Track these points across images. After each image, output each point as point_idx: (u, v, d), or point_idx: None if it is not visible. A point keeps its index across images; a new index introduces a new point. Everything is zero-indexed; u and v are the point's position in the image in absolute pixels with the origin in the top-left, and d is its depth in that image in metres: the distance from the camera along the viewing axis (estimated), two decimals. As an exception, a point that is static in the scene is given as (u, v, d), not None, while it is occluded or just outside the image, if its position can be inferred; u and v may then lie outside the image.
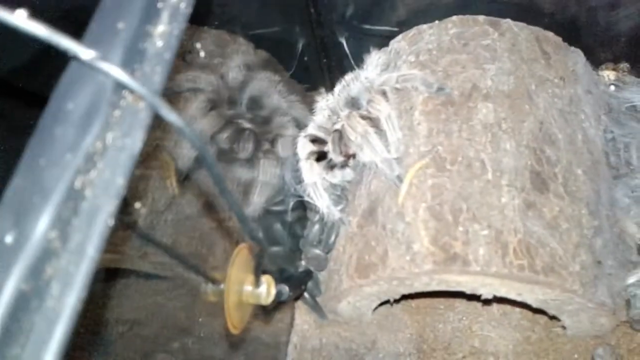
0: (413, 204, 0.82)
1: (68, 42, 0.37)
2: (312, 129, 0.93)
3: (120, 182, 0.38)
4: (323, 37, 1.10)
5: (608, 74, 1.04)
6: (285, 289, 0.78)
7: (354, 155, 0.90)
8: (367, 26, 1.07)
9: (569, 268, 0.75)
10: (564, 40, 1.00)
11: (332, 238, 0.95)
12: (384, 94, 0.91)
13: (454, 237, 0.76)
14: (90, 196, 0.37)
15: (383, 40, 1.07)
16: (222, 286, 0.68)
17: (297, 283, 0.84)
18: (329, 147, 0.89)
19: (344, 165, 0.91)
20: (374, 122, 0.86)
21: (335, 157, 0.89)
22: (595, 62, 1.05)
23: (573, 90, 0.93)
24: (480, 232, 0.76)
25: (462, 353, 0.93)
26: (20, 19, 0.35)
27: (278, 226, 0.98)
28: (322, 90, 1.23)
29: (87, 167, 0.38)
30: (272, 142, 0.95)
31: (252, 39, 1.10)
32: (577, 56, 0.99)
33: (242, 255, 0.69)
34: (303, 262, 0.99)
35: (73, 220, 0.36)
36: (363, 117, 0.86)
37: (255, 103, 0.99)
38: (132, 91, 0.40)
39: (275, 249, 0.96)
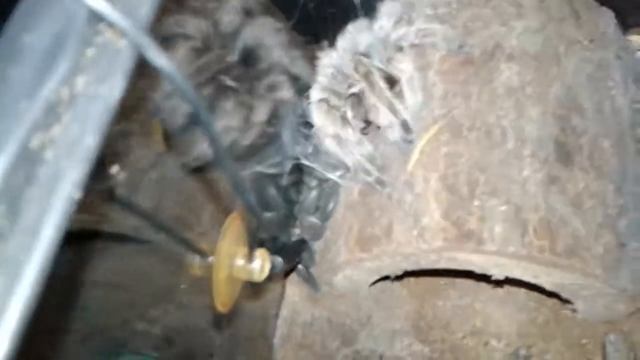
0: (424, 173, 0.74)
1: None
2: (317, 93, 0.83)
3: (90, 141, 0.29)
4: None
5: (637, 39, 0.96)
6: (279, 260, 0.70)
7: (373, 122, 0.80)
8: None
9: (592, 250, 0.68)
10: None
11: (331, 205, 0.87)
12: (400, 49, 0.82)
13: (469, 211, 0.69)
14: (50, 159, 0.29)
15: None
16: (210, 259, 0.61)
17: (291, 254, 0.77)
18: (347, 114, 0.79)
19: (363, 133, 0.81)
20: (392, 81, 0.77)
21: (355, 123, 0.79)
22: (624, 25, 0.96)
23: (603, 54, 0.84)
24: (498, 208, 0.69)
25: (462, 332, 0.87)
26: None
27: (272, 190, 0.89)
28: (325, 43, 1.12)
29: (49, 121, 0.29)
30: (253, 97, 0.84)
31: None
32: (608, 17, 0.90)
33: (234, 226, 0.61)
34: (297, 230, 0.91)
35: (26, 191, 0.28)
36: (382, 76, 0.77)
37: (250, 55, 0.88)
38: (111, 24, 0.31)
39: (268, 214, 0.88)
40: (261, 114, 0.83)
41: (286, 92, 0.88)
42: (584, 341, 0.81)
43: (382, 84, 0.77)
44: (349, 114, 0.80)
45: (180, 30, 0.86)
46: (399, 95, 0.76)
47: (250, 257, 0.61)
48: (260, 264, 0.61)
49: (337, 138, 0.78)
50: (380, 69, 0.81)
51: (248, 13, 0.92)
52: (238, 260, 0.61)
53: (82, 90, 0.30)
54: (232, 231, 0.61)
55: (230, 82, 0.85)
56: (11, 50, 0.29)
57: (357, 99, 0.80)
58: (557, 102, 0.76)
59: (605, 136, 0.77)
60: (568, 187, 0.71)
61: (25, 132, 0.27)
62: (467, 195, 0.70)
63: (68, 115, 0.30)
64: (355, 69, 0.83)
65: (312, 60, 1.13)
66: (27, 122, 0.28)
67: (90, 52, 0.31)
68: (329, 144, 0.80)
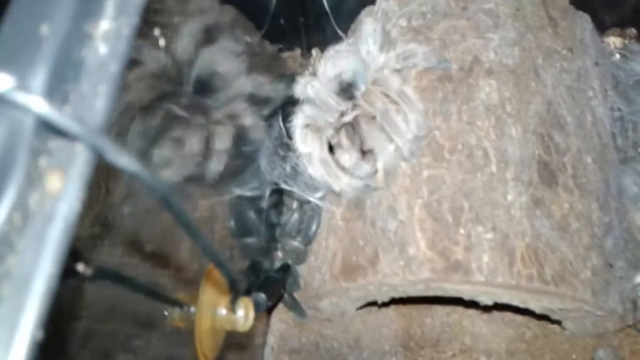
0: (407, 199, 0.72)
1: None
2: (301, 120, 0.80)
3: (50, 269, 0.26)
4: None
5: (614, 41, 0.95)
6: (262, 297, 0.68)
7: (370, 151, 0.76)
8: (350, -19, 0.93)
9: (580, 275, 0.67)
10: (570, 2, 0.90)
11: (313, 228, 0.85)
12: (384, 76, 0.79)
13: (455, 241, 0.67)
14: (7, 296, 0.26)
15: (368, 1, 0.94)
16: (191, 310, 0.58)
17: (275, 288, 0.75)
18: (342, 144, 0.76)
19: (359, 162, 0.77)
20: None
21: (352, 154, 0.75)
22: (601, 27, 0.95)
23: (581, 62, 0.83)
24: (484, 236, 0.67)
25: (452, 351, 0.86)
26: None
27: (252, 214, 0.87)
28: (298, 51, 1.09)
29: (2, 253, 0.26)
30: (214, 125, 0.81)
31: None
32: (584, 22, 0.88)
33: (215, 273, 0.59)
34: (280, 254, 0.89)
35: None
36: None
37: (205, 84, 0.83)
38: (63, 130, 0.28)
39: (248, 240, 0.86)
40: (223, 140, 0.79)
41: (248, 119, 0.84)
42: (573, 356, 0.81)
43: (380, 96, 0.74)
44: (344, 144, 0.77)
45: (135, 55, 0.81)
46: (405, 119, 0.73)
47: (233, 307, 0.58)
48: (244, 313, 0.58)
49: (325, 163, 0.75)
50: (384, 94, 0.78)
51: (209, 33, 0.88)
52: (221, 310, 0.58)
53: (36, 208, 0.27)
54: (213, 280, 0.58)
55: (180, 112, 0.80)
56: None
57: (352, 128, 0.77)
58: (538, 119, 0.75)
59: (587, 151, 0.76)
60: (553, 210, 0.70)
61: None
62: (452, 223, 0.68)
63: (23, 241, 0.27)
64: (366, 99, 0.79)
65: (284, 67, 1.10)
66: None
67: (42, 162, 0.28)
68: (316, 169, 0.77)
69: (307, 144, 0.77)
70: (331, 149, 0.78)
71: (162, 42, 0.84)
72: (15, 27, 0.30)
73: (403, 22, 0.85)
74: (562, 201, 0.71)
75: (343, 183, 0.76)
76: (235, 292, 0.54)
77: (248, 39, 0.98)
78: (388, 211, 0.73)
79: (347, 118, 0.77)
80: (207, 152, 0.78)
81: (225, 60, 0.86)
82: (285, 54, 1.09)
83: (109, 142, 0.29)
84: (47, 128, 0.28)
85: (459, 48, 0.79)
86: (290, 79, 1.01)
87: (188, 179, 0.79)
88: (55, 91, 0.29)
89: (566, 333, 0.81)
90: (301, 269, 0.88)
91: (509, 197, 0.69)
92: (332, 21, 0.99)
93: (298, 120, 0.81)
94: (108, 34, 0.32)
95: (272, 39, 1.06)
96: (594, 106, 0.81)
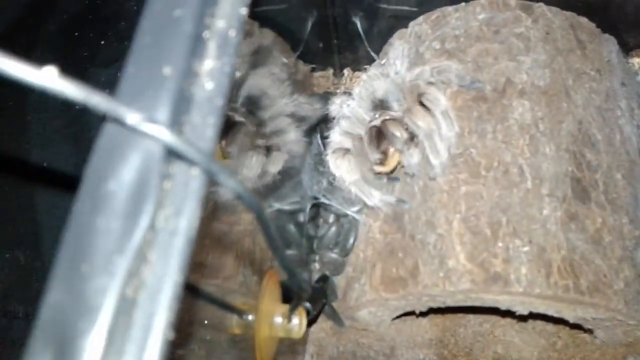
0: (445, 214, 0.76)
1: (110, 104, 0.29)
2: (336, 137, 0.84)
3: (177, 278, 0.31)
4: (335, 16, 1.00)
5: (638, 62, 0.98)
6: (309, 306, 0.72)
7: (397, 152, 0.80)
8: (384, 5, 0.98)
9: (614, 286, 0.70)
10: (594, 22, 0.93)
11: (351, 241, 0.89)
12: (417, 88, 0.83)
13: (494, 253, 0.71)
14: (143, 302, 0.30)
15: (400, 22, 0.99)
16: (250, 318, 0.62)
17: (318, 298, 0.78)
18: (364, 144, 0.80)
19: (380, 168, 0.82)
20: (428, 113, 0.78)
21: (373, 156, 0.80)
22: (625, 48, 0.99)
23: (609, 83, 0.87)
24: (522, 249, 0.71)
25: (485, 359, 0.89)
26: (50, 77, 0.27)
27: (292, 227, 0.91)
28: (330, 71, 1.14)
29: (138, 265, 0.30)
30: (267, 148, 0.85)
31: (257, 16, 0.99)
32: (611, 45, 0.92)
33: (271, 284, 0.63)
34: (317, 266, 0.93)
35: (126, 335, 0.29)
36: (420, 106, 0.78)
37: (253, 103, 0.88)
38: (184, 156, 0.32)
39: (288, 252, 0.90)
40: (277, 164, 0.84)
41: (292, 134, 0.89)
42: (603, 365, 0.83)
43: (426, 116, 0.77)
44: (366, 144, 0.81)
45: None
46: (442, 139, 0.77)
47: (290, 315, 0.62)
48: (299, 321, 0.62)
49: (358, 183, 0.79)
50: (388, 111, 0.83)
51: (256, 56, 0.93)
52: (277, 319, 0.62)
53: (163, 225, 0.32)
54: (270, 289, 0.62)
55: (238, 118, 0.86)
56: (96, 201, 0.30)
57: (377, 131, 0.81)
58: (570, 137, 0.78)
59: (617, 169, 0.79)
60: (587, 224, 0.73)
61: (122, 283, 0.29)
62: (490, 237, 0.72)
63: (153, 253, 0.31)
64: (410, 117, 0.83)
65: (316, 86, 1.14)
66: (122, 274, 0.29)
67: (167, 185, 0.32)
68: (351, 189, 0.81)
69: (338, 168, 0.81)
70: None
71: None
72: (138, 68, 0.34)
73: (436, 45, 0.89)
74: (595, 216, 0.74)
75: (376, 199, 0.80)
76: (297, 301, 0.58)
77: (285, 60, 1.03)
78: (427, 225, 0.77)
79: (374, 122, 0.82)
80: (262, 173, 0.82)
81: (272, 84, 0.91)
82: (318, 74, 1.14)
83: (220, 166, 0.33)
84: (170, 155, 0.32)
85: (492, 70, 0.83)
86: (324, 98, 1.06)
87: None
88: (175, 123, 0.33)
89: (597, 342, 0.84)
90: (338, 280, 0.92)
91: (545, 212, 0.73)
92: (365, 42, 1.04)
93: (332, 139, 0.86)
94: (213, 72, 0.36)
95: (305, 58, 1.11)
96: (622, 124, 0.85)
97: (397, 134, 0.78)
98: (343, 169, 0.80)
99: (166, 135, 0.31)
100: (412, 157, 0.78)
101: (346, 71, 1.13)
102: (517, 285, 0.69)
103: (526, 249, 0.71)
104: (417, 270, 0.75)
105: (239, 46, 0.37)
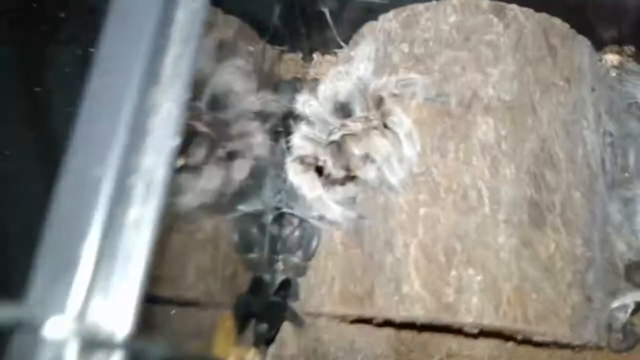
0: (404, 237, 0.76)
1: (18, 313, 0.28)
2: (298, 141, 0.83)
3: None
4: (303, 6, 0.95)
5: (611, 59, 0.96)
6: (265, 328, 0.74)
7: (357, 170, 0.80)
8: (353, -3, 0.93)
9: (560, 314, 0.73)
10: (569, 17, 0.90)
11: (313, 246, 0.90)
12: (380, 100, 0.81)
13: (447, 282, 0.73)
14: None
15: (370, 13, 0.94)
16: None
17: (277, 317, 0.80)
18: (326, 162, 0.79)
19: (345, 181, 0.81)
20: (388, 136, 0.77)
21: (335, 172, 0.79)
22: (599, 43, 0.96)
23: (578, 92, 0.85)
24: (475, 278, 0.72)
25: (440, 355, 0.93)
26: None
27: (255, 230, 0.91)
28: (299, 55, 1.09)
29: None
30: (230, 155, 0.83)
31: (221, 3, 0.94)
32: (583, 47, 0.90)
33: (225, 327, 0.64)
34: (281, 266, 0.94)
35: None
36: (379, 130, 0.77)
37: (218, 102, 0.85)
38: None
39: (252, 255, 0.91)
40: (242, 172, 0.83)
41: (259, 138, 0.87)
42: (551, 365, 0.88)
43: (382, 141, 0.76)
44: (329, 162, 0.81)
45: None
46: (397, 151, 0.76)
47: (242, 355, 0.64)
48: (251, 361, 0.64)
49: (319, 200, 0.79)
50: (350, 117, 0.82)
51: (221, 49, 0.89)
52: None
53: None
54: (224, 332, 0.63)
55: (203, 128, 0.83)
56: None
57: (337, 147, 0.81)
58: (532, 158, 0.78)
59: (576, 186, 0.80)
60: (540, 251, 0.74)
61: None
62: (444, 264, 0.73)
63: None
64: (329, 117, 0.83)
65: (286, 71, 1.11)
66: None
67: None
68: (309, 200, 0.81)
69: (297, 176, 0.81)
70: (320, 169, 0.82)
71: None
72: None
73: (405, 48, 0.86)
74: (549, 241, 0.75)
75: (337, 214, 0.80)
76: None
77: (251, 48, 0.99)
78: (385, 245, 0.78)
79: (334, 137, 0.81)
80: (225, 183, 0.81)
81: (237, 79, 0.88)
82: (287, 56, 1.10)
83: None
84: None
85: (459, 82, 0.81)
86: (292, 85, 1.03)
87: (201, 206, 0.82)
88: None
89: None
90: (301, 281, 0.93)
91: (500, 240, 0.74)
92: (334, 31, 0.99)
93: (295, 139, 0.85)
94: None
95: (274, 41, 1.06)
96: (586, 135, 0.84)
97: (356, 151, 0.77)
98: (304, 185, 0.80)
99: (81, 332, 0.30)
100: (369, 174, 0.78)
101: (315, 55, 1.09)
102: (468, 315, 0.71)
103: (479, 278, 0.72)
104: (373, 292, 0.77)
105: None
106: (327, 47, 1.08)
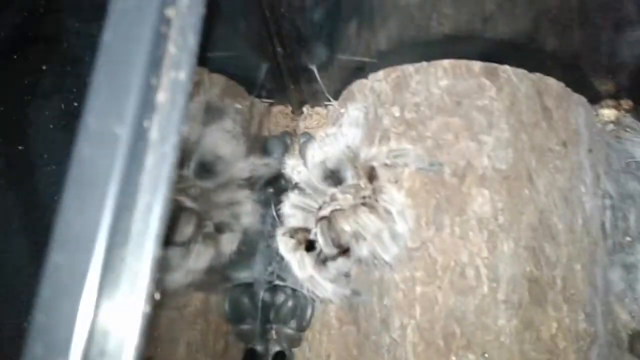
0: (400, 317, 0.73)
1: None
2: (288, 210, 0.80)
3: None
4: (290, 66, 0.92)
5: (608, 114, 0.94)
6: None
7: (348, 248, 0.77)
8: (343, 57, 0.90)
9: (564, 397, 0.70)
10: (564, 72, 0.87)
11: (307, 317, 0.87)
12: (372, 169, 0.78)
13: (446, 368, 0.70)
14: None
15: (359, 72, 0.92)
16: None
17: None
18: (317, 238, 0.76)
19: (337, 257, 0.78)
20: (379, 211, 0.74)
21: (327, 250, 0.76)
22: (595, 98, 0.94)
23: (575, 156, 0.82)
24: (475, 363, 0.69)
25: None
26: None
27: (246, 300, 0.88)
28: (289, 107, 1.06)
29: None
30: (218, 227, 0.80)
31: (207, 62, 0.91)
32: (579, 107, 0.87)
33: None
34: (274, 335, 0.91)
35: None
36: (368, 206, 0.74)
37: (205, 170, 0.82)
38: None
39: (243, 326, 0.88)
40: (231, 245, 0.80)
41: (249, 207, 0.84)
42: None
43: (372, 218, 0.73)
44: (320, 240, 0.77)
45: None
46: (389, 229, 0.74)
47: None
48: None
49: (310, 280, 0.76)
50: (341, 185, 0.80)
51: (207, 112, 0.86)
52: None
53: None
54: None
55: (189, 203, 0.80)
56: None
57: (328, 223, 0.77)
58: (530, 232, 0.75)
59: (577, 258, 0.77)
60: (542, 331, 0.72)
61: None
62: (443, 349, 0.70)
63: None
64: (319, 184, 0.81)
65: (275, 124, 1.08)
66: None
67: None
68: (300, 277, 0.78)
69: (287, 252, 0.78)
70: (311, 245, 0.79)
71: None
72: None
73: (396, 112, 0.83)
74: (551, 320, 0.73)
75: (329, 293, 0.77)
76: None
77: (239, 105, 0.96)
78: (381, 324, 0.75)
79: (323, 212, 0.78)
80: (215, 258, 0.78)
81: (225, 143, 0.85)
82: (277, 109, 1.07)
83: None
84: None
85: (453, 150, 0.78)
86: (282, 140, 1.00)
87: (191, 283, 0.79)
88: None
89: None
90: (295, 352, 0.90)
91: (500, 322, 0.71)
92: (323, 88, 0.97)
93: (285, 207, 0.82)
94: None
95: (262, 94, 1.03)
96: (585, 201, 0.82)
97: (346, 228, 0.74)
98: (294, 263, 0.77)
99: None
100: (362, 251, 0.75)
101: (305, 109, 1.06)
102: (468, 404, 0.68)
103: (479, 363, 0.69)
104: (370, 375, 0.74)
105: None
106: (317, 99, 1.05)
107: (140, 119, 0.37)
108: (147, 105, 0.38)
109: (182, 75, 0.39)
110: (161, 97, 0.38)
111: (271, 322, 0.91)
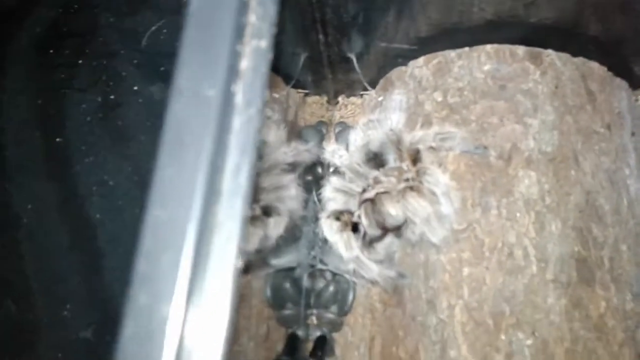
0: (447, 297, 0.74)
1: None
2: (329, 193, 0.81)
3: None
4: (330, 55, 0.93)
5: (647, 98, 0.93)
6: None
7: (396, 228, 0.77)
8: (382, 44, 0.91)
9: (614, 376, 0.70)
10: (606, 57, 0.87)
11: (349, 302, 0.88)
12: (417, 153, 0.79)
13: (496, 347, 0.70)
14: None
15: (399, 60, 0.92)
16: None
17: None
18: (361, 220, 0.77)
19: (382, 238, 0.79)
20: (426, 195, 0.74)
21: (371, 231, 0.77)
22: (636, 84, 0.93)
23: (619, 139, 0.83)
24: (525, 342, 0.70)
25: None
26: None
27: (287, 286, 0.89)
28: (324, 98, 1.07)
29: None
30: (266, 211, 0.81)
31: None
32: (622, 91, 0.87)
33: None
34: (315, 320, 0.91)
35: None
36: (415, 190, 0.74)
37: None
38: None
39: (285, 312, 0.88)
40: (278, 229, 0.81)
41: (293, 191, 0.85)
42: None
43: (421, 202, 0.74)
44: (364, 222, 0.78)
45: None
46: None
47: None
48: None
49: (356, 260, 0.77)
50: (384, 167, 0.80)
51: None
52: None
53: None
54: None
55: None
56: None
57: (372, 205, 0.78)
58: (577, 212, 0.75)
59: (623, 239, 0.77)
60: (591, 310, 0.72)
61: None
62: (493, 328, 0.71)
63: None
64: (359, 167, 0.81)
65: (311, 114, 1.09)
66: None
67: None
68: (345, 261, 0.79)
69: (332, 234, 0.78)
70: (356, 226, 0.79)
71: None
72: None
73: (438, 97, 0.84)
74: (599, 299, 0.73)
75: (374, 274, 0.78)
76: None
77: (276, 95, 0.97)
78: (428, 305, 0.75)
79: (367, 195, 0.78)
80: (263, 239, 0.79)
81: (268, 129, 0.86)
82: (311, 99, 1.08)
83: None
84: None
85: (498, 133, 0.79)
86: (318, 130, 1.01)
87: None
88: None
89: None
90: (336, 337, 0.91)
91: (549, 300, 0.71)
92: (361, 77, 0.98)
93: (326, 192, 0.83)
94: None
95: (297, 85, 1.04)
96: (629, 184, 0.82)
97: (393, 212, 0.75)
98: (340, 244, 0.78)
99: None
100: (409, 234, 0.76)
101: (340, 98, 1.07)
102: (519, 382, 0.68)
103: (529, 342, 0.70)
104: (418, 355, 0.74)
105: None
106: (352, 89, 1.06)
107: (228, 84, 0.38)
108: (233, 71, 0.39)
109: (264, 43, 0.40)
110: (245, 64, 0.39)
111: (312, 307, 0.91)
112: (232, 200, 0.36)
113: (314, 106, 1.08)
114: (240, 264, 0.35)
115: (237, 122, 0.38)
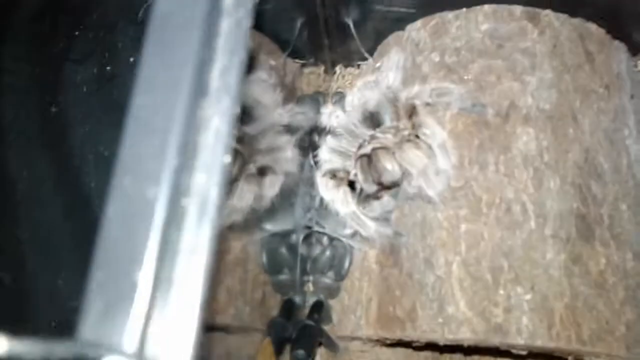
0: (445, 254, 0.73)
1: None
2: (325, 155, 0.80)
3: None
4: (326, 17, 0.92)
5: (647, 65, 0.93)
6: (302, 354, 0.70)
7: (392, 184, 0.76)
8: (379, 7, 0.90)
9: (615, 333, 0.69)
10: (603, 22, 0.87)
11: (345, 266, 0.86)
12: (413, 109, 0.78)
13: (495, 302, 0.69)
14: None
15: (396, 23, 0.91)
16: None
17: (313, 339, 0.77)
18: (357, 176, 0.76)
19: (378, 195, 0.78)
20: (423, 147, 0.73)
21: (367, 187, 0.76)
22: (635, 50, 0.93)
23: (618, 100, 0.82)
24: (524, 297, 0.68)
25: (479, 378, 0.89)
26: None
27: (284, 251, 0.88)
28: (321, 67, 1.07)
29: None
30: (261, 171, 0.80)
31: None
32: (621, 53, 0.86)
33: (266, 351, 0.60)
34: (311, 287, 0.90)
35: None
36: (410, 142, 0.73)
37: (246, 116, 0.82)
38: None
39: (281, 277, 0.87)
40: (274, 188, 0.80)
41: (289, 153, 0.84)
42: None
43: (418, 154, 0.73)
44: (359, 177, 0.77)
45: None
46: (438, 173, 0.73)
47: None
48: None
49: (353, 216, 0.76)
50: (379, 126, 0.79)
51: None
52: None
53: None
54: (265, 357, 0.60)
55: (235, 145, 0.81)
56: None
57: (368, 161, 0.77)
58: (576, 169, 0.74)
59: (623, 198, 0.76)
60: (591, 266, 0.71)
61: None
62: (491, 283, 0.69)
63: None
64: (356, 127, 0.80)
65: (307, 84, 1.08)
66: None
67: None
68: (342, 216, 0.78)
69: (328, 192, 0.78)
70: (352, 184, 0.78)
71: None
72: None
73: (436, 57, 0.83)
74: (599, 256, 0.71)
75: (372, 231, 0.77)
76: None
77: (272, 62, 0.96)
78: (425, 263, 0.74)
79: (364, 150, 0.78)
80: (257, 200, 0.78)
81: (264, 91, 0.85)
82: (308, 70, 1.07)
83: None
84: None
85: (495, 91, 0.78)
86: (314, 99, 1.00)
87: (232, 225, 0.79)
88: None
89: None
90: (333, 303, 0.90)
91: (548, 256, 0.70)
92: (358, 42, 0.97)
93: (322, 153, 0.82)
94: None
95: (294, 54, 1.04)
96: (629, 145, 0.81)
97: (389, 166, 0.74)
98: (337, 200, 0.77)
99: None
100: (406, 187, 0.75)
101: (338, 68, 1.06)
102: (518, 337, 0.67)
103: (528, 297, 0.68)
104: (415, 313, 0.73)
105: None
106: (350, 59, 1.05)
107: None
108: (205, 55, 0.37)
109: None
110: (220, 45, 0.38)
111: (308, 273, 0.90)
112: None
113: (311, 77, 1.07)
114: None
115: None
